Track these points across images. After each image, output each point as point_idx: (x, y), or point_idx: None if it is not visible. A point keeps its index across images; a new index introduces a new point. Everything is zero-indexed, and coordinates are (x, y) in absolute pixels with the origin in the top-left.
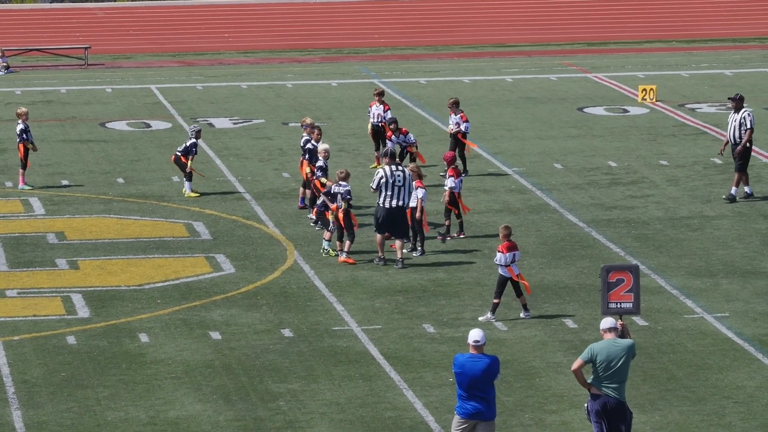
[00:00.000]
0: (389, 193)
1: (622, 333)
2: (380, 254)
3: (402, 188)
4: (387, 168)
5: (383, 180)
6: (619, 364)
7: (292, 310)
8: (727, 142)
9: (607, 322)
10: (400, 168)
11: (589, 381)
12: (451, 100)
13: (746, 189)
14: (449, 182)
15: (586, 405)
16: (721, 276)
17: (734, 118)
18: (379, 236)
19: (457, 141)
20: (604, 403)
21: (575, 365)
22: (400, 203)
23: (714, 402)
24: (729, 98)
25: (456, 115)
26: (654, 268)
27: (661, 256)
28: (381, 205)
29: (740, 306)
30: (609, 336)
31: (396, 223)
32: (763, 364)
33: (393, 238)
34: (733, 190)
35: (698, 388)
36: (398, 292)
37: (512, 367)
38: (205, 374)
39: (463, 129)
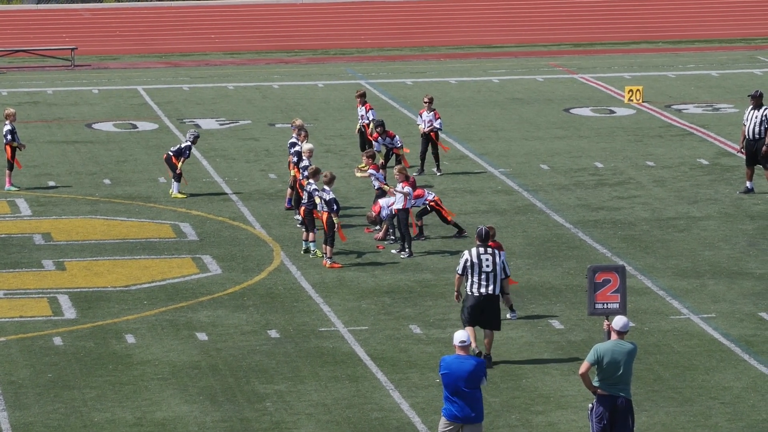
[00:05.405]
0: (477, 279)
1: (609, 333)
2: (473, 345)
3: (491, 273)
4: (474, 251)
5: (468, 264)
6: (625, 366)
7: (279, 311)
8: (745, 138)
9: (620, 323)
10: (488, 251)
11: (594, 383)
12: (428, 97)
13: (748, 184)
14: (430, 197)
15: (590, 406)
16: (708, 277)
17: (755, 115)
18: (469, 328)
19: (429, 140)
20: (615, 404)
21: (583, 368)
22: (490, 291)
23: (700, 403)
24: (749, 95)
25: (429, 112)
26: (640, 269)
27: (647, 257)
28: (469, 292)
29: (727, 307)
30: (617, 337)
31: (486, 312)
32: (750, 365)
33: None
34: (748, 184)
35: (685, 389)
36: (385, 293)
37: (499, 368)
38: (191, 375)
39: (436, 126)
